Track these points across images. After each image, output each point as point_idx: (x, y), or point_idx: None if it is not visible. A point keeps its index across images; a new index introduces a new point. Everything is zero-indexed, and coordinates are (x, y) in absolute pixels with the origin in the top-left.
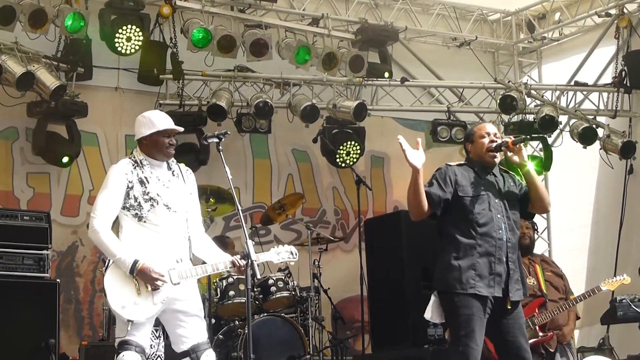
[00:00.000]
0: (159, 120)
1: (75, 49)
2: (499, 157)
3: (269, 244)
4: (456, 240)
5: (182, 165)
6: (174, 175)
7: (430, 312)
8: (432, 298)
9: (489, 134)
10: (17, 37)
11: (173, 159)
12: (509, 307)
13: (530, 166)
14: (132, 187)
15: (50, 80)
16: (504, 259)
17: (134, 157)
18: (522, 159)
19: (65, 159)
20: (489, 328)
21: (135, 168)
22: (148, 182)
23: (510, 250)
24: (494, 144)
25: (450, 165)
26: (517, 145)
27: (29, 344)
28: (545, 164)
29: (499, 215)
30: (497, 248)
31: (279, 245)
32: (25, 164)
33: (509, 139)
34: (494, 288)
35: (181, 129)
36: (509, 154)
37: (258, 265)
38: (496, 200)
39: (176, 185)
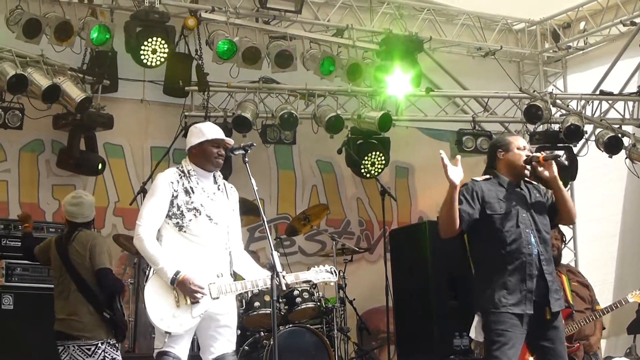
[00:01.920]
0: (208, 130)
1: (100, 61)
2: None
3: (293, 255)
4: (486, 259)
5: (226, 182)
6: (219, 189)
7: (475, 332)
8: (476, 318)
9: (525, 148)
10: (43, 49)
11: (220, 173)
12: (549, 317)
13: (558, 179)
14: (176, 196)
15: (76, 93)
16: (536, 273)
17: (182, 167)
18: (552, 174)
19: (100, 166)
20: (531, 342)
21: (181, 177)
22: (193, 192)
23: (544, 262)
24: (527, 158)
25: (476, 181)
26: (548, 161)
27: (55, 356)
28: (571, 173)
29: (527, 230)
30: (528, 264)
31: (319, 265)
32: (50, 176)
33: (540, 154)
34: (526, 305)
35: (231, 141)
36: (540, 168)
37: (298, 283)
38: (524, 214)
39: (220, 199)
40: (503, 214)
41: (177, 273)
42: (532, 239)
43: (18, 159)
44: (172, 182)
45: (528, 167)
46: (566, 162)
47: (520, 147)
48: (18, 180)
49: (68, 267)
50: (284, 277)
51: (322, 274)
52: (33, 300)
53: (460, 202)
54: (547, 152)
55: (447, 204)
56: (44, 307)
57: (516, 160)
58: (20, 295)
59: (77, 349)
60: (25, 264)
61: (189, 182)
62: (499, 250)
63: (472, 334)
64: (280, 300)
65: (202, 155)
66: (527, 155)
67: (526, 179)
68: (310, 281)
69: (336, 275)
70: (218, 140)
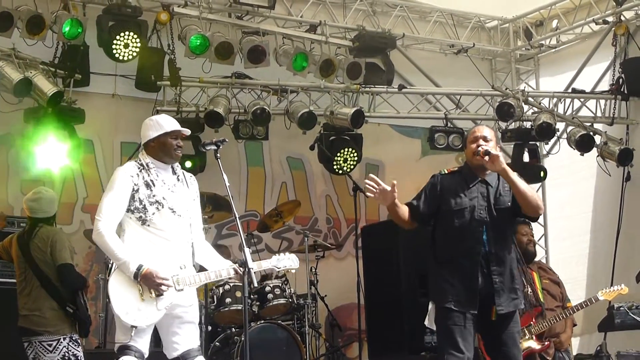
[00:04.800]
0: (166, 123)
1: (72, 55)
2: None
3: (260, 252)
4: (439, 251)
5: (185, 171)
6: (178, 180)
7: (428, 320)
8: (430, 306)
9: (476, 138)
10: (15, 43)
11: (178, 163)
12: (494, 318)
13: (510, 171)
14: (137, 190)
15: (47, 87)
16: (485, 272)
17: (140, 161)
18: (500, 166)
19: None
20: (485, 338)
21: (141, 171)
22: (154, 185)
23: (493, 262)
24: (479, 149)
25: (442, 174)
26: (489, 155)
27: (20, 353)
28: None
29: (480, 228)
30: (474, 263)
31: (280, 253)
32: (20, 171)
33: (481, 148)
34: (471, 305)
35: (188, 131)
36: (487, 164)
37: (258, 273)
38: (482, 212)
39: (181, 190)
40: (456, 210)
41: (139, 267)
42: (485, 237)
43: None
44: (132, 176)
45: (478, 157)
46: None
47: (471, 139)
48: None
49: (30, 264)
50: (254, 272)
51: (283, 261)
52: (1, 295)
53: (419, 198)
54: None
55: (390, 212)
56: (12, 302)
57: (469, 155)
58: None
59: (39, 345)
60: None
61: (148, 175)
62: (450, 245)
63: (427, 322)
64: (252, 296)
65: (161, 148)
66: (479, 145)
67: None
68: (273, 269)
69: (297, 262)
70: (176, 132)
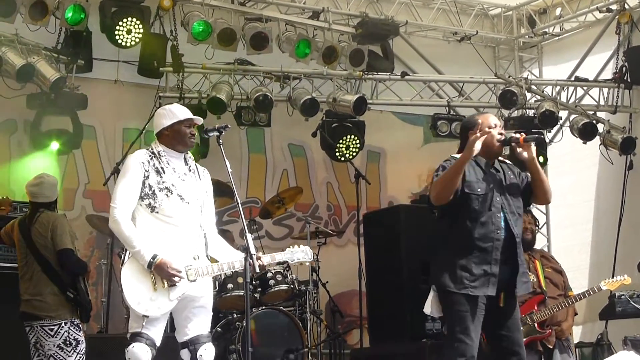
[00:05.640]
0: (179, 111)
1: (75, 41)
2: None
3: (260, 239)
4: (455, 237)
5: (198, 165)
6: (190, 170)
7: (430, 307)
8: (431, 292)
9: (496, 125)
10: (18, 28)
11: (190, 154)
12: (502, 305)
13: (537, 161)
14: (148, 177)
15: (50, 72)
16: (501, 258)
17: (152, 149)
18: (530, 155)
19: (54, 145)
20: (487, 324)
21: (152, 158)
22: (164, 172)
23: (512, 248)
24: (503, 137)
25: (456, 159)
26: (528, 142)
27: (19, 338)
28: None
29: (498, 214)
30: (495, 249)
31: (294, 246)
32: (22, 157)
33: (520, 135)
34: (488, 288)
35: (201, 120)
36: (519, 150)
37: (273, 265)
38: (498, 198)
39: (191, 180)
40: (480, 195)
41: (154, 257)
42: (503, 223)
43: None
44: (144, 163)
45: (503, 145)
46: (541, 137)
47: (492, 125)
48: None
49: (31, 249)
50: (258, 258)
51: (297, 254)
52: (4, 279)
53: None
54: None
55: (456, 170)
56: (14, 286)
57: (489, 141)
58: None
59: (41, 329)
60: None
61: (159, 162)
62: (469, 230)
63: (427, 309)
64: (254, 282)
65: (175, 137)
66: (501, 133)
67: (500, 158)
68: (286, 262)
69: (311, 255)
70: (190, 120)
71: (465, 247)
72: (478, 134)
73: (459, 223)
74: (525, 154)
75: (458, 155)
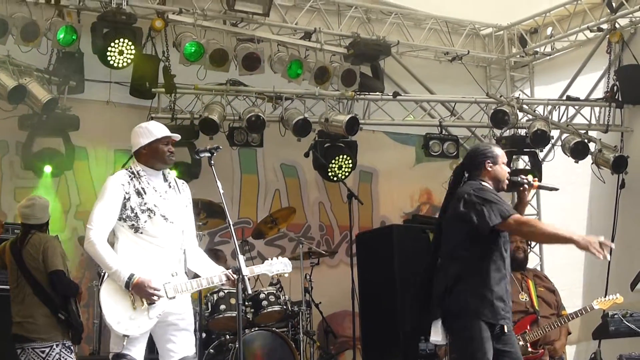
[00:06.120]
0: (156, 129)
1: (67, 62)
2: None
3: (253, 260)
4: (490, 270)
5: (177, 178)
6: (170, 186)
7: (440, 335)
8: (439, 321)
9: (506, 163)
10: (9, 50)
11: (169, 170)
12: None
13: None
14: (128, 199)
15: (42, 94)
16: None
17: (131, 169)
18: (528, 199)
19: (47, 169)
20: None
21: (132, 179)
22: (145, 193)
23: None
24: (515, 178)
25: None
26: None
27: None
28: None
29: (506, 246)
30: (507, 281)
31: (272, 258)
32: (13, 179)
33: (534, 181)
34: (509, 319)
35: (178, 137)
36: (526, 192)
37: (252, 278)
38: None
39: (173, 197)
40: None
41: (131, 276)
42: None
43: None
44: (123, 184)
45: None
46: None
47: (505, 162)
48: None
49: (23, 271)
50: (248, 279)
51: (276, 266)
52: None
53: (499, 202)
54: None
55: (561, 241)
56: (6, 309)
57: (501, 176)
58: None
59: (32, 352)
60: None
61: (139, 183)
62: (500, 263)
63: (438, 337)
64: (247, 303)
65: (154, 155)
66: (520, 177)
67: None
68: (266, 274)
69: (290, 267)
70: (167, 138)
71: (499, 279)
72: (597, 251)
73: (494, 254)
74: (528, 197)
75: (486, 184)
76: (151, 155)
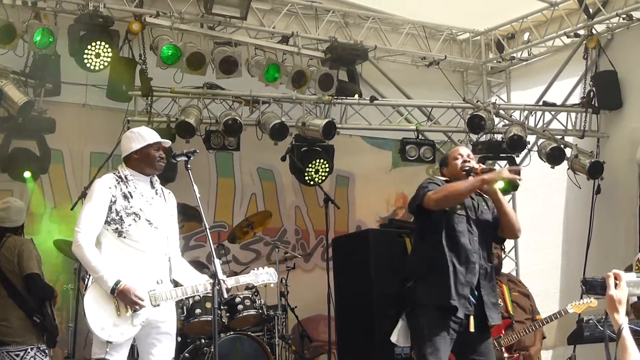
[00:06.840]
0: (148, 135)
1: (43, 64)
2: None
3: (227, 264)
4: (435, 253)
5: (164, 187)
6: (157, 193)
7: (397, 336)
8: (400, 322)
9: (461, 155)
10: None
11: (157, 178)
12: (472, 330)
13: (499, 193)
14: (115, 202)
15: (18, 96)
16: (474, 284)
17: (119, 173)
18: (490, 186)
19: (27, 174)
20: (457, 347)
21: (119, 183)
22: (132, 197)
23: (482, 277)
24: (467, 165)
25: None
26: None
27: None
28: (513, 184)
29: (475, 239)
30: (469, 271)
31: (258, 268)
32: None
33: (479, 165)
34: (460, 310)
35: (169, 142)
36: (481, 180)
37: (234, 288)
38: (473, 226)
39: (158, 203)
40: (461, 216)
41: (117, 283)
42: (478, 249)
43: None
44: (110, 187)
45: (466, 173)
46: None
47: (456, 156)
48: None
49: None
50: (225, 282)
51: (261, 276)
52: None
53: (427, 186)
54: (487, 163)
55: (471, 189)
56: None
57: (453, 170)
58: None
59: (7, 355)
60: None
61: (126, 187)
62: (447, 247)
63: (394, 338)
64: (222, 307)
65: (145, 160)
66: (466, 161)
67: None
68: (251, 284)
69: (275, 277)
70: (158, 144)
71: (445, 263)
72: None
73: (444, 241)
74: (485, 185)
75: (443, 178)
76: (142, 160)
